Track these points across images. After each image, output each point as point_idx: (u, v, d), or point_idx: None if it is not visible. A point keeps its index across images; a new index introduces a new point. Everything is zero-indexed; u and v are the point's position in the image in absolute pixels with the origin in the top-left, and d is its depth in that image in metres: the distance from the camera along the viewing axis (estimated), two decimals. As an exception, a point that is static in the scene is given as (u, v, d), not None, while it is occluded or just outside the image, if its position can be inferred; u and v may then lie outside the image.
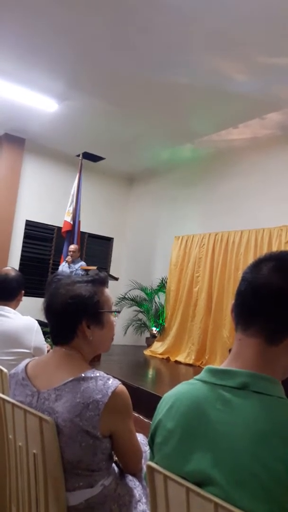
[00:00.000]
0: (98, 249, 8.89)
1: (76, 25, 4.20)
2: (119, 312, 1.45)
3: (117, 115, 6.19)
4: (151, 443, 0.98)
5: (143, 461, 1.44)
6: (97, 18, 4.07)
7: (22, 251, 7.68)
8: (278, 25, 3.88)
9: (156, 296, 7.78)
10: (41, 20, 4.20)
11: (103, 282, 1.50)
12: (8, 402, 1.36)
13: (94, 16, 4.03)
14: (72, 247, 6.42)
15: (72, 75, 5.22)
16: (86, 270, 5.79)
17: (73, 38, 4.43)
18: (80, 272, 6.02)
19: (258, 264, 0.92)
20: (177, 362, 6.54)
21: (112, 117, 6.25)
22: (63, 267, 6.45)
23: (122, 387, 1.31)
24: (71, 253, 6.34)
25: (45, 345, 2.28)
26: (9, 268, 2.46)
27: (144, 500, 1.39)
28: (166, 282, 7.51)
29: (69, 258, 6.39)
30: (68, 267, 6.34)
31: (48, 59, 4.88)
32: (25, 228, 7.73)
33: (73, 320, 1.39)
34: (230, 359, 0.91)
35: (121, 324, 7.77)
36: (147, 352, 7.07)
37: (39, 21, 4.22)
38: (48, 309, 1.42)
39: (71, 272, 6.14)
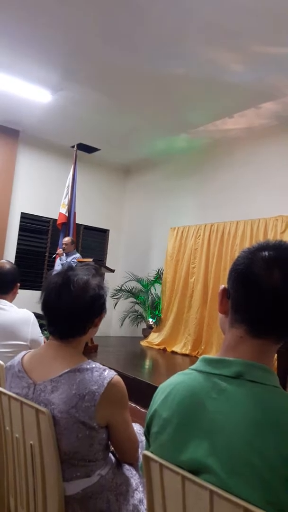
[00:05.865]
0: (94, 241, 8.86)
1: (71, 15, 4.14)
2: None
3: (112, 106, 6.13)
4: (147, 433, 0.98)
5: (139, 450, 1.45)
6: (92, 9, 4.01)
7: (18, 244, 7.64)
8: (274, 15, 3.83)
9: (152, 288, 7.78)
10: (36, 11, 4.12)
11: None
12: (5, 394, 1.36)
13: (89, 6, 3.97)
14: (66, 239, 6.27)
15: (66, 65, 5.16)
16: (82, 262, 5.70)
17: (68, 28, 4.37)
18: (72, 264, 5.87)
19: (267, 262, 0.87)
20: (173, 352, 6.57)
21: (107, 107, 6.20)
22: (57, 266, 6.25)
23: (118, 378, 1.32)
24: (64, 245, 6.18)
25: (41, 337, 2.29)
26: (4, 261, 2.44)
27: (141, 488, 1.40)
28: (162, 273, 7.51)
29: (60, 250, 6.23)
30: (59, 260, 6.21)
31: (42, 49, 4.81)
32: (21, 221, 7.68)
33: (90, 318, 1.40)
34: (226, 350, 0.90)
35: (117, 316, 7.79)
36: (143, 343, 7.09)
37: (33, 12, 4.14)
38: (59, 305, 1.36)
39: (62, 264, 6.04)
